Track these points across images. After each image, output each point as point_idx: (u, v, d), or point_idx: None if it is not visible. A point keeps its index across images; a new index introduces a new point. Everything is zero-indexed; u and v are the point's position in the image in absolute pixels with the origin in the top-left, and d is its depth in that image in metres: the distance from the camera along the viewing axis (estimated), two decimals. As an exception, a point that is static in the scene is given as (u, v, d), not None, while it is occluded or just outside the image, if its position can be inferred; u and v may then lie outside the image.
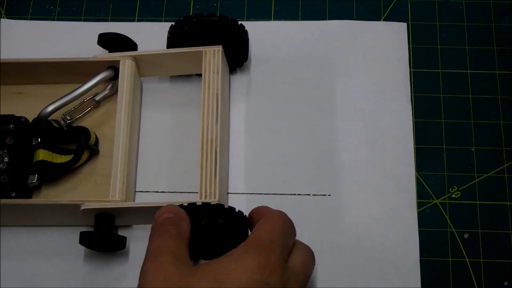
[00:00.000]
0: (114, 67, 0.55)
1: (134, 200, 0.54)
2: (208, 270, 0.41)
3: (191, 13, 0.61)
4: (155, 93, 0.58)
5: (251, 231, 0.46)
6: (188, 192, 0.54)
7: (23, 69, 0.55)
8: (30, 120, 0.54)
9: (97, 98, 0.57)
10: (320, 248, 0.51)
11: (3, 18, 0.62)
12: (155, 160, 0.56)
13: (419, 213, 0.53)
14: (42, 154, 0.53)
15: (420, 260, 0.52)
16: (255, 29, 0.59)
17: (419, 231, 0.53)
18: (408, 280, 0.51)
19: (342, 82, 0.58)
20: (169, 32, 0.56)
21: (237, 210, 0.47)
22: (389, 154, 0.55)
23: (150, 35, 0.60)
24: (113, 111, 0.56)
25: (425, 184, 0.54)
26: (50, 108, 0.53)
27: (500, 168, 0.55)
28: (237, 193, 0.55)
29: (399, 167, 0.55)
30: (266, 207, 0.47)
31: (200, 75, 0.55)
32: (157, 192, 0.55)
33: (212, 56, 0.54)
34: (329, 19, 0.61)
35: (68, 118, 0.56)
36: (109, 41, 0.57)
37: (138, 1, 0.62)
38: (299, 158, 0.55)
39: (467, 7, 0.61)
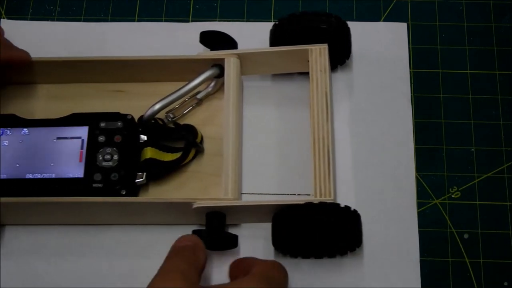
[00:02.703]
0: (219, 65, 0.55)
1: (241, 199, 0.53)
2: None
3: (191, 13, 0.62)
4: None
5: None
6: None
7: (123, 67, 0.55)
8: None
9: (200, 96, 0.56)
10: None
11: (3, 18, 0.62)
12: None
13: (419, 213, 0.53)
14: (150, 152, 0.53)
15: (420, 260, 0.52)
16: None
17: (419, 231, 0.53)
18: (408, 280, 0.51)
19: (342, 82, 0.58)
20: (272, 31, 0.56)
21: (352, 209, 0.48)
22: (389, 154, 0.55)
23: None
24: (215, 109, 0.56)
25: (425, 184, 0.54)
26: (157, 107, 0.53)
27: (500, 168, 0.55)
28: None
29: (399, 167, 0.55)
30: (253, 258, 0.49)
31: (302, 73, 0.55)
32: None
33: (319, 54, 0.53)
34: (329, 19, 0.61)
35: (171, 116, 0.55)
36: (211, 39, 0.56)
37: (138, 1, 0.62)
38: (296, 157, 0.55)
39: (467, 7, 0.61)
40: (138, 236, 0.53)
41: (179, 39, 0.60)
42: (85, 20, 0.62)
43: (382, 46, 0.59)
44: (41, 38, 0.60)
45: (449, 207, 0.54)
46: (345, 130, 0.56)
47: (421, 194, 0.54)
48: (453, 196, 0.54)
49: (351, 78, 0.58)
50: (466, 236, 0.53)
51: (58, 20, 0.62)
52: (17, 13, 0.62)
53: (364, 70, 0.58)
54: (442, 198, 0.54)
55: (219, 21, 0.61)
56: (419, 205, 0.54)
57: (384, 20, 0.61)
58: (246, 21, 0.61)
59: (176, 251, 0.46)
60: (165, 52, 0.57)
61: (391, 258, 0.52)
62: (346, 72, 0.58)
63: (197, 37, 0.57)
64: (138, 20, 0.61)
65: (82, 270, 0.52)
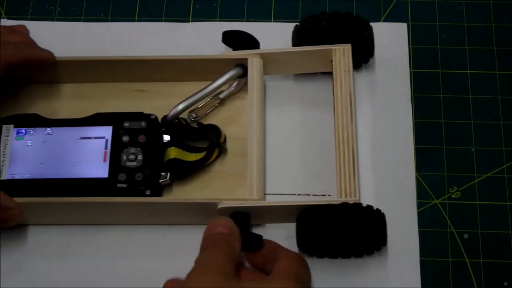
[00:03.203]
0: (242, 64, 0.54)
1: (264, 200, 0.53)
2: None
3: (191, 13, 0.62)
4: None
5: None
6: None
7: (145, 66, 0.55)
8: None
9: (222, 95, 0.56)
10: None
11: (3, 18, 0.62)
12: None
13: (419, 213, 0.53)
14: (174, 152, 0.53)
15: (420, 260, 0.52)
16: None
17: (419, 231, 0.53)
18: (408, 280, 0.51)
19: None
20: (294, 32, 0.56)
21: (375, 209, 0.48)
22: (389, 154, 0.55)
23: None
24: (237, 108, 0.56)
25: (425, 184, 0.54)
26: (180, 107, 0.53)
27: (500, 168, 0.55)
28: None
29: (399, 167, 0.55)
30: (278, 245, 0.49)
31: (325, 73, 0.55)
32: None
33: (342, 55, 0.53)
34: (329, 19, 0.61)
35: (194, 116, 0.55)
36: (233, 39, 0.56)
37: (138, 1, 0.62)
38: (302, 157, 0.55)
39: (467, 7, 0.61)
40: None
41: (181, 38, 0.60)
42: (85, 20, 0.62)
43: (382, 46, 0.59)
44: (41, 38, 0.60)
45: (449, 207, 0.54)
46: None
47: (421, 194, 0.54)
48: (453, 196, 0.54)
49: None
50: (466, 236, 0.53)
51: (58, 20, 0.62)
52: (17, 13, 0.62)
53: (364, 70, 0.58)
54: (442, 198, 0.54)
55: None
56: (419, 205, 0.54)
57: (384, 20, 0.61)
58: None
59: (214, 241, 0.45)
60: (166, 52, 0.57)
61: (391, 258, 0.52)
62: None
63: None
64: (138, 20, 0.61)
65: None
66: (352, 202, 0.48)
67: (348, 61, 0.53)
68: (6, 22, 0.61)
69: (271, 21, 0.61)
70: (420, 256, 0.52)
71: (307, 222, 0.48)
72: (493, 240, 0.52)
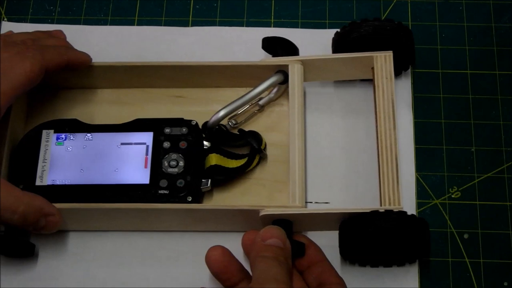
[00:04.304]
0: (283, 71, 0.54)
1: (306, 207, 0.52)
2: None
3: (191, 13, 0.61)
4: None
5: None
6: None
7: (184, 72, 0.55)
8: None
9: (262, 102, 0.55)
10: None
11: (3, 18, 0.62)
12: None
13: (419, 213, 0.53)
14: (215, 159, 0.52)
15: (420, 260, 0.52)
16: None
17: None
18: (406, 280, 0.51)
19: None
20: (334, 38, 0.56)
21: (419, 218, 0.48)
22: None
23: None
24: (276, 115, 0.56)
25: (425, 184, 0.54)
26: (221, 113, 0.53)
27: (500, 168, 0.55)
28: None
29: (399, 167, 0.54)
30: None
31: (365, 80, 0.55)
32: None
33: (384, 62, 0.53)
34: (329, 19, 0.61)
35: (233, 122, 0.55)
36: (273, 45, 0.56)
37: (138, 1, 0.62)
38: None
39: (467, 7, 0.61)
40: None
41: (181, 43, 0.60)
42: (85, 20, 0.62)
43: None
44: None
45: (449, 207, 0.54)
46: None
47: (421, 194, 0.54)
48: (453, 196, 0.54)
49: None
50: (466, 236, 0.53)
51: (58, 20, 0.62)
52: (17, 13, 0.62)
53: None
54: (442, 198, 0.54)
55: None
56: (419, 205, 0.54)
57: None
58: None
59: (269, 251, 0.45)
60: (164, 56, 0.57)
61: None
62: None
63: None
64: (138, 20, 0.61)
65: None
66: (396, 210, 0.48)
67: (390, 68, 0.53)
68: (6, 24, 0.61)
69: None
70: (420, 256, 0.52)
71: (351, 230, 0.48)
72: (493, 240, 0.52)
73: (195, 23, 0.61)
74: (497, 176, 0.55)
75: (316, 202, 0.53)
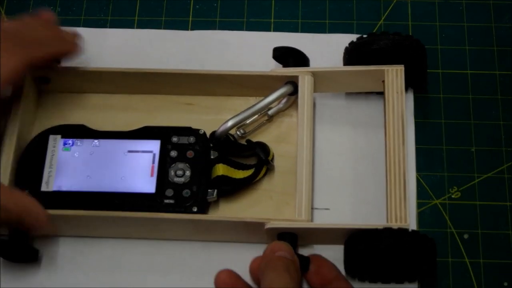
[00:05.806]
0: (293, 82, 0.54)
1: (312, 220, 0.52)
2: None
3: (191, 13, 0.61)
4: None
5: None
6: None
7: (195, 80, 0.54)
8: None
9: (271, 112, 0.55)
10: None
11: (3, 18, 0.62)
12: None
13: (419, 213, 0.53)
14: (222, 169, 0.52)
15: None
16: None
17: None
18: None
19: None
20: (347, 49, 0.55)
21: (428, 237, 0.48)
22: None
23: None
24: (285, 126, 0.55)
25: (425, 184, 0.54)
26: (230, 123, 0.52)
27: (500, 168, 0.55)
28: None
29: (407, 184, 0.54)
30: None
31: (378, 93, 0.54)
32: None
33: (395, 76, 0.53)
34: (329, 19, 0.61)
35: (242, 132, 0.54)
36: (285, 55, 0.55)
37: (138, 1, 0.62)
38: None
39: (467, 7, 0.61)
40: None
41: (180, 47, 0.60)
42: (84, 20, 0.62)
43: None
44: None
45: (449, 207, 0.54)
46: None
47: (421, 194, 0.54)
48: (453, 196, 0.54)
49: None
50: (466, 236, 0.53)
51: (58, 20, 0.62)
52: (17, 13, 0.62)
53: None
54: (442, 198, 0.54)
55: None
56: (419, 205, 0.54)
57: (384, 20, 0.61)
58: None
59: (280, 264, 0.45)
60: (162, 61, 0.57)
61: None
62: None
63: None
64: (138, 20, 0.61)
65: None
66: (405, 228, 0.47)
67: (401, 83, 0.52)
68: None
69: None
70: (420, 256, 0.52)
71: (357, 247, 0.48)
72: (493, 240, 0.52)
73: (195, 23, 0.61)
74: (497, 176, 0.55)
75: (316, 208, 0.53)
